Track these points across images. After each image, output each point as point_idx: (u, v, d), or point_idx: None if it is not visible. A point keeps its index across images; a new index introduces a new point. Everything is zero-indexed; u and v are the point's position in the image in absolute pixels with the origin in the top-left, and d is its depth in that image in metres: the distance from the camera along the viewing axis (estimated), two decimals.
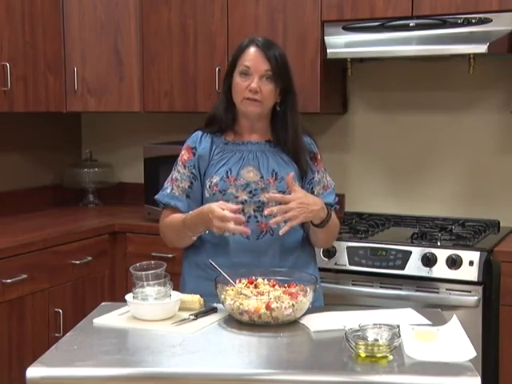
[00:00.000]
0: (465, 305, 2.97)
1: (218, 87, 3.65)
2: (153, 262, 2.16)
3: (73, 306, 3.39)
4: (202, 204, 2.36)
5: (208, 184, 2.37)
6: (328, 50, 3.40)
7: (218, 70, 3.67)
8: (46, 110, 3.73)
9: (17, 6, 3.49)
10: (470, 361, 1.77)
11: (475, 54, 3.27)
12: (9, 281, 3.04)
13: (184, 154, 2.44)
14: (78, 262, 3.41)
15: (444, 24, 3.23)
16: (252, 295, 2.03)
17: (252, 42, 2.36)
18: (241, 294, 2.04)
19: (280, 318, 2.00)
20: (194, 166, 2.40)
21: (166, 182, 2.47)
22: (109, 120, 4.43)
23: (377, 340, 1.79)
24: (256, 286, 2.12)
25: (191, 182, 2.40)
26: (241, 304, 2.00)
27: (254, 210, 2.34)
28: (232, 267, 2.23)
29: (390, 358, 1.77)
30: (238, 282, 2.14)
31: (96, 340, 1.94)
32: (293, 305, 2.00)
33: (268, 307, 1.98)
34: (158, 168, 3.73)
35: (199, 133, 2.45)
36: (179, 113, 3.94)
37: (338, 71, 3.72)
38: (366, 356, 1.76)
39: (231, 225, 2.17)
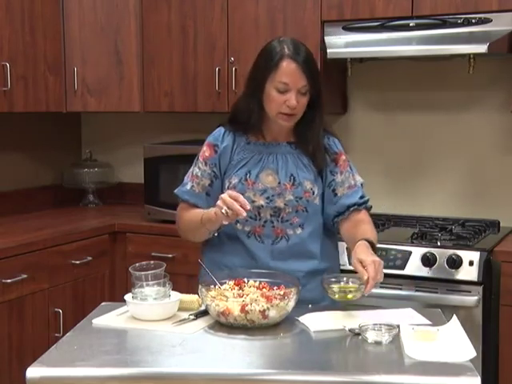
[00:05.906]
0: (465, 305, 2.97)
1: (218, 87, 3.66)
2: (152, 262, 2.16)
3: (73, 306, 3.39)
4: None
5: (227, 185, 2.35)
6: (328, 50, 3.39)
7: (218, 70, 3.67)
8: (46, 110, 3.73)
9: (17, 6, 3.49)
10: (470, 361, 1.77)
11: (475, 54, 3.27)
12: (9, 281, 3.04)
13: (206, 151, 2.40)
14: (77, 262, 3.41)
15: (444, 24, 3.23)
16: (231, 297, 2.01)
17: (284, 53, 2.25)
18: (222, 295, 2.02)
19: (256, 320, 1.97)
20: (216, 164, 2.37)
21: (186, 177, 2.43)
22: (109, 120, 4.43)
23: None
24: (240, 288, 2.09)
25: (211, 181, 2.38)
26: (217, 305, 1.99)
27: (271, 215, 2.32)
28: (247, 269, 2.21)
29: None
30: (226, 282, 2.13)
31: (96, 340, 1.94)
32: (268, 308, 1.97)
33: (243, 309, 1.96)
34: (158, 168, 3.73)
35: (222, 129, 2.41)
36: (179, 113, 3.94)
37: (337, 71, 3.71)
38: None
39: (236, 204, 2.13)
